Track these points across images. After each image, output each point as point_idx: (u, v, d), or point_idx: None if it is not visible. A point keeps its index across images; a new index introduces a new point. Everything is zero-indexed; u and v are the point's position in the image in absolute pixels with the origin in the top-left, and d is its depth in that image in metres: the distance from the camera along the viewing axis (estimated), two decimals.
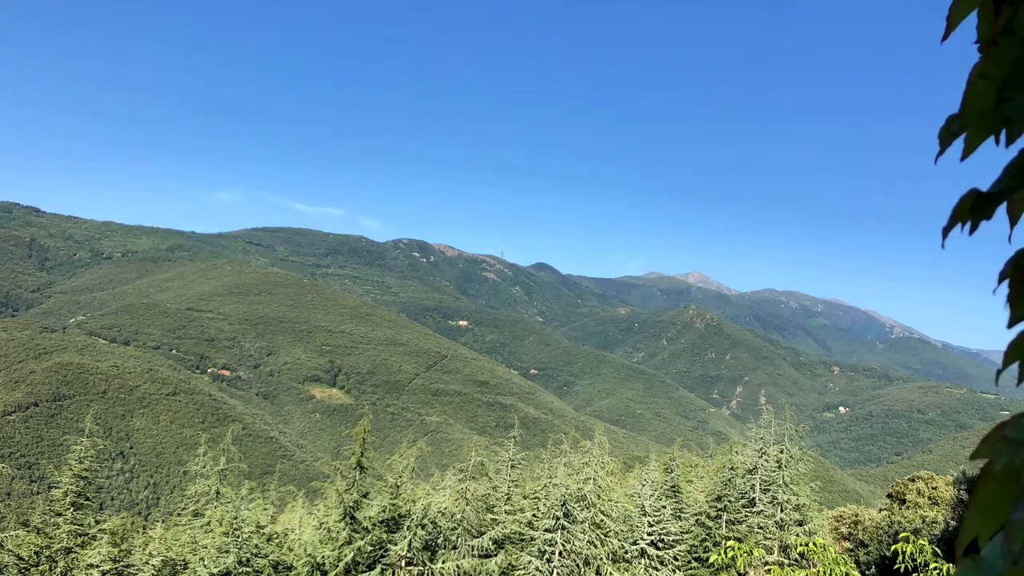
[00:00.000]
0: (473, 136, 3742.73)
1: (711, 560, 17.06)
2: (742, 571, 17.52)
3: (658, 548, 31.49)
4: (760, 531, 30.13)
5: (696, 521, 33.72)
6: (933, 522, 39.50)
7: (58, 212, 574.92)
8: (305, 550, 23.79)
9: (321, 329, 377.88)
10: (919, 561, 15.98)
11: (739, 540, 27.68)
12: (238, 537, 22.37)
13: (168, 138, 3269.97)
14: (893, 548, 16.84)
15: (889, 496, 46.77)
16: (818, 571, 15.06)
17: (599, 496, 27.60)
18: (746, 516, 31.25)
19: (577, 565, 26.30)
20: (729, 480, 32.25)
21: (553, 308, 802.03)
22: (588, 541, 26.56)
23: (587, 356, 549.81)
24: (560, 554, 26.43)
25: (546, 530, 26.69)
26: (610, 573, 26.41)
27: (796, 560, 28.70)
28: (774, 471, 31.79)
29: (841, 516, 45.57)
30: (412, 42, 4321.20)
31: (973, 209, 1.49)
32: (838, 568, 14.74)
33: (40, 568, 23.95)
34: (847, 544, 42.63)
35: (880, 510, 45.87)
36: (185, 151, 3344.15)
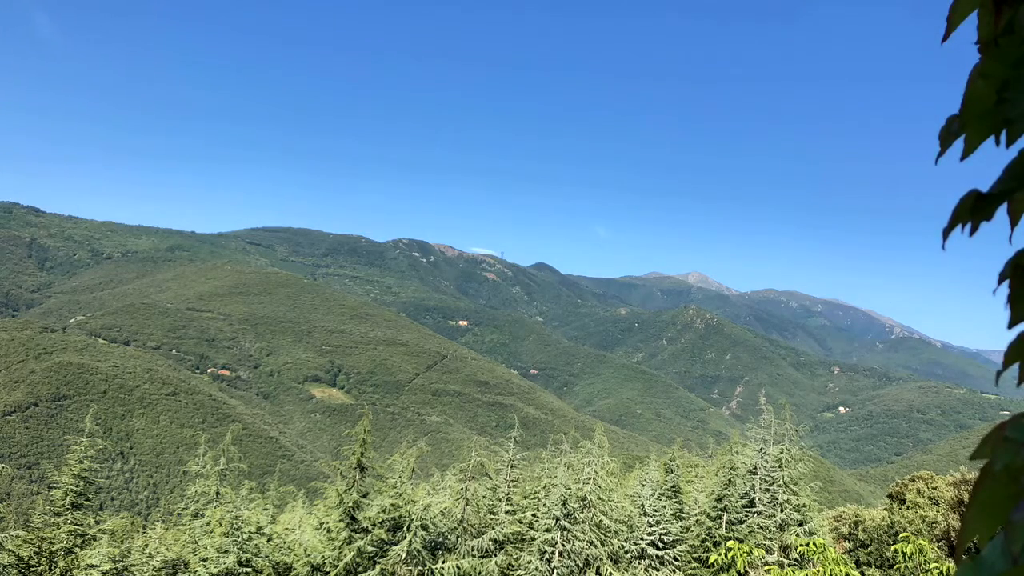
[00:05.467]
0: (473, 137, 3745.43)
1: (711, 560, 17.06)
2: (742, 571, 17.51)
3: (658, 548, 31.48)
4: (760, 531, 30.12)
5: (696, 521, 33.72)
6: (933, 522, 39.48)
7: (58, 212, 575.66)
8: (305, 550, 23.79)
9: (321, 329, 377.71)
10: (919, 561, 15.98)
11: (739, 540, 27.68)
12: (238, 537, 22.36)
13: (168, 138, 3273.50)
14: (893, 548, 16.83)
15: (889, 496, 46.72)
16: (818, 571, 15.06)
17: (599, 496, 27.59)
18: (746, 516, 31.24)
19: (577, 565, 26.29)
20: (729, 480, 32.24)
21: (553, 308, 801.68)
22: (588, 541, 26.55)
23: (587, 356, 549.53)
24: (560, 554, 26.42)
25: (546, 530, 26.68)
26: (610, 573, 26.40)
27: (796, 560, 28.69)
28: (774, 471, 31.78)
29: (841, 516, 45.53)
30: (412, 43, 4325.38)
31: (973, 210, 1.49)
32: (838, 568, 14.74)
33: (40, 568, 23.94)
34: (847, 544, 42.60)
35: (883, 510, 45.87)
36: (186, 151, 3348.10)
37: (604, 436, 29.29)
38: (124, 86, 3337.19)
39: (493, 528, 26.49)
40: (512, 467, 30.33)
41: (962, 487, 41.86)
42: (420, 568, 22.77)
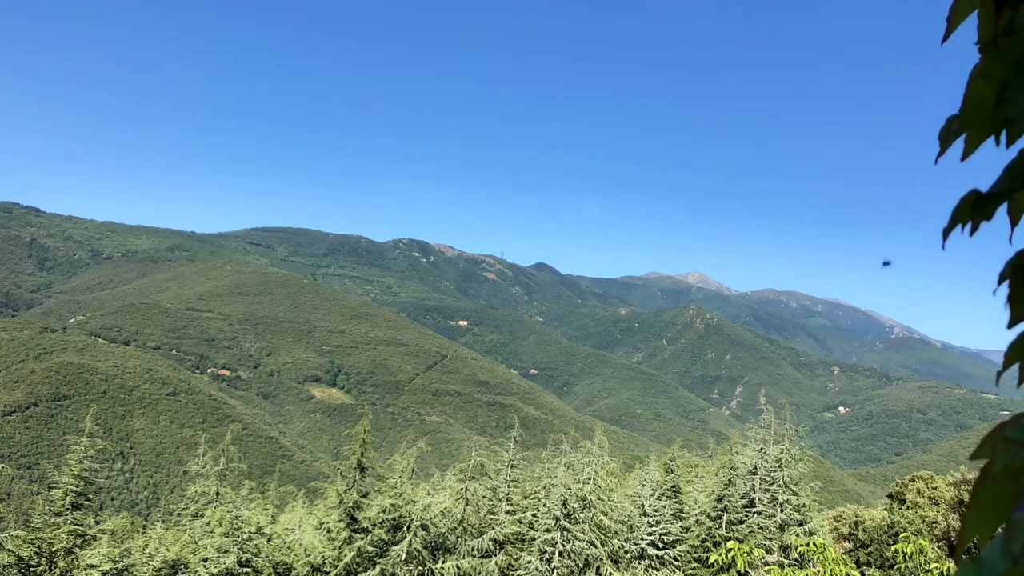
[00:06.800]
0: (473, 137, 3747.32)
1: (711, 560, 17.06)
2: (742, 571, 17.51)
3: (658, 548, 31.48)
4: (761, 531, 30.12)
5: (696, 521, 33.70)
6: (933, 522, 39.48)
7: (58, 212, 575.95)
8: (305, 551, 23.79)
9: (321, 329, 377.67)
10: (919, 561, 15.98)
11: (740, 540, 27.67)
12: (238, 538, 22.36)
13: (168, 138, 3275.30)
14: (893, 548, 16.82)
15: (889, 496, 46.74)
16: (818, 571, 15.05)
17: (599, 496, 27.58)
18: (746, 516, 31.23)
19: (577, 565, 26.28)
20: (729, 480, 32.23)
21: (553, 308, 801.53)
22: (588, 542, 26.54)
23: (587, 356, 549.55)
24: (560, 554, 26.41)
25: (546, 530, 26.67)
26: (610, 573, 26.40)
27: (796, 560, 28.69)
28: (774, 471, 31.78)
29: (841, 516, 45.56)
30: (409, 41, 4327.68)
31: (973, 210, 1.49)
32: (838, 568, 14.73)
33: (40, 568, 23.94)
34: (847, 544, 42.61)
35: (883, 510, 45.87)
36: (186, 151, 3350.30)
37: (604, 436, 29.28)
38: (124, 86, 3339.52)
39: (493, 528, 26.50)
40: (512, 467, 30.32)
41: (962, 487, 41.87)
42: (420, 568, 22.77)
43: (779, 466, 31.75)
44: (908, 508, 41.79)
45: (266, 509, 25.50)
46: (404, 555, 22.42)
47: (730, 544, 15.90)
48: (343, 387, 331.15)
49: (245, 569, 22.13)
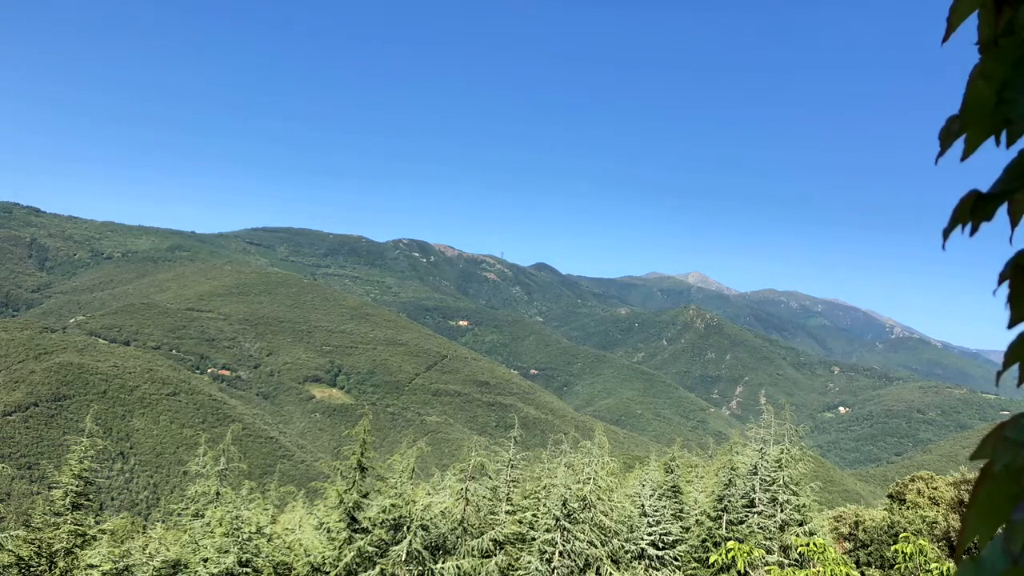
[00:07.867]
0: (473, 136, 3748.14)
1: (711, 560, 17.06)
2: (742, 571, 17.51)
3: (658, 549, 31.48)
4: (761, 531, 30.11)
5: (696, 522, 33.70)
6: (933, 522, 39.47)
7: (58, 212, 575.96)
8: (305, 551, 23.79)
9: (321, 329, 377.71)
10: (919, 561, 15.98)
11: (740, 540, 27.67)
12: (238, 538, 22.36)
13: (168, 138, 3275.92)
14: (893, 548, 16.83)
15: (889, 496, 46.73)
16: (818, 571, 15.05)
17: (599, 497, 27.58)
18: (747, 516, 31.23)
19: (577, 566, 26.28)
20: (729, 480, 32.22)
21: (553, 308, 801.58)
22: (588, 542, 26.54)
23: (587, 356, 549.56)
24: (560, 554, 26.41)
25: (546, 530, 26.67)
26: (610, 573, 26.39)
27: (796, 560, 28.69)
28: (774, 471, 31.77)
29: (841, 516, 45.55)
30: (410, 40, 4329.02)
31: (974, 210, 1.49)
32: (838, 568, 14.73)
33: (40, 568, 23.94)
34: (847, 544, 42.61)
35: (883, 510, 45.85)
36: (186, 151, 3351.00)
37: (604, 436, 29.28)
38: (124, 85, 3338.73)
39: (493, 528, 26.50)
40: (512, 467, 30.33)
41: (962, 487, 41.88)
42: (420, 568, 22.77)
43: (779, 466, 31.75)
44: (908, 508, 41.78)
45: (266, 509, 25.51)
46: (404, 555, 22.42)
47: (730, 544, 15.89)
48: (343, 387, 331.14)
49: (245, 569, 22.14)
